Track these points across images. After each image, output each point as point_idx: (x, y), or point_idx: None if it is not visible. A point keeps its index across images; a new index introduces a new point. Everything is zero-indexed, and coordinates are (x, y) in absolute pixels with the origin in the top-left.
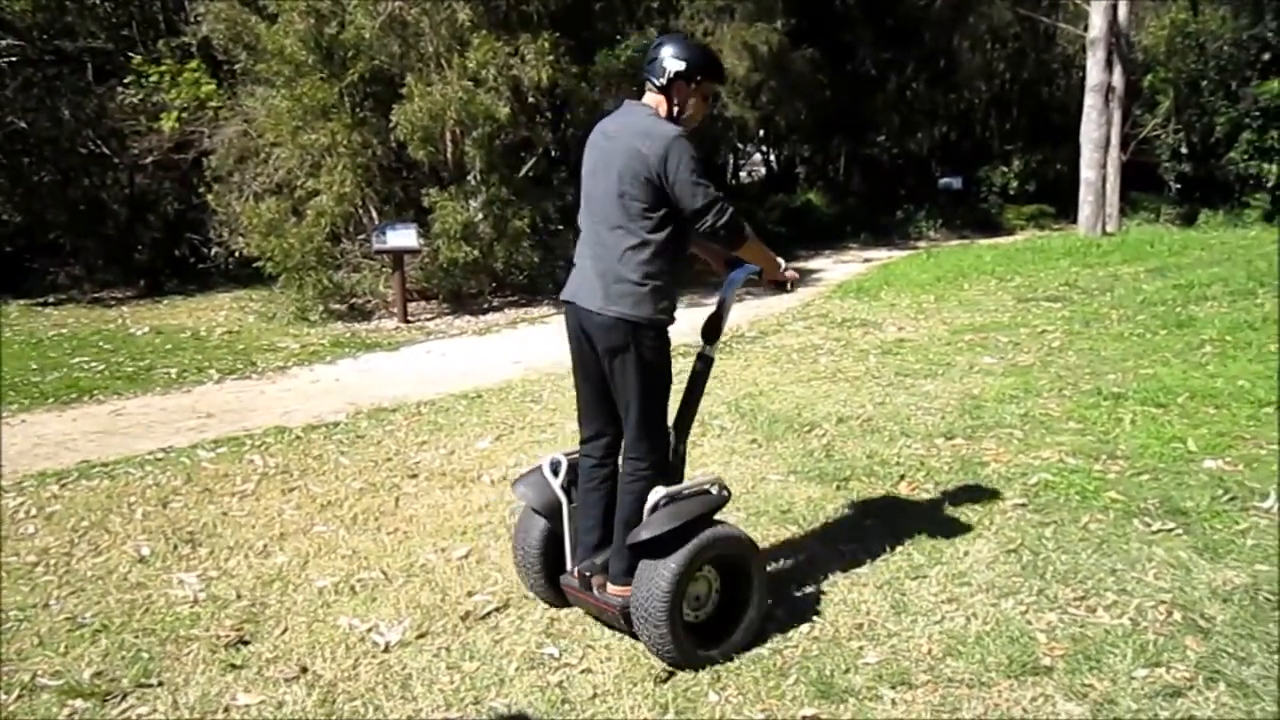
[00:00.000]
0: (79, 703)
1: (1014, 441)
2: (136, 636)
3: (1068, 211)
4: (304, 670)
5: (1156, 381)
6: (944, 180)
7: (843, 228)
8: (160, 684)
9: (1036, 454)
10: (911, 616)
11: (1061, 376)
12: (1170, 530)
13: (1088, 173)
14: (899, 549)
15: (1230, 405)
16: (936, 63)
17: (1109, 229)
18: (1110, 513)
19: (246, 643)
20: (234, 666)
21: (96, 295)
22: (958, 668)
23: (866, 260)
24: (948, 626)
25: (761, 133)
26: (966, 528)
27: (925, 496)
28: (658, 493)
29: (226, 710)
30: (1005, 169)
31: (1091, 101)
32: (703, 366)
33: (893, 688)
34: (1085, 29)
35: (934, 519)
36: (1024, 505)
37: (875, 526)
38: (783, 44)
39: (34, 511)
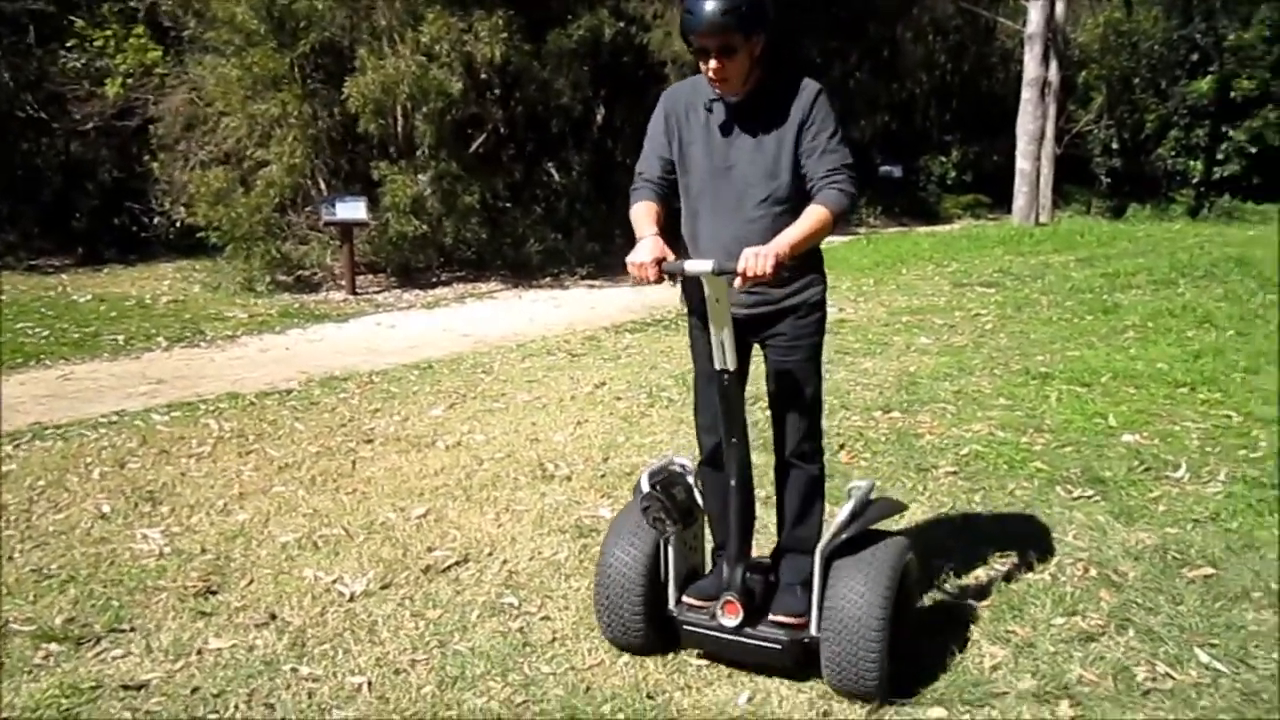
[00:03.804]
0: (53, 646)
1: (947, 415)
2: (105, 586)
3: (1003, 202)
4: (273, 617)
5: (1082, 363)
6: (884, 168)
7: None
8: (132, 629)
9: (968, 427)
10: None
11: (993, 357)
12: (1090, 497)
13: (1023, 164)
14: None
15: (1149, 385)
16: (880, 53)
17: (1042, 219)
18: (1035, 480)
19: (214, 592)
20: (204, 614)
21: (33, 263)
22: None
23: None
24: None
25: None
26: (901, 493)
27: (864, 464)
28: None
29: (199, 653)
30: (944, 159)
31: (1028, 95)
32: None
33: None
34: (1024, 24)
35: None
36: (955, 473)
37: None
38: None
39: None
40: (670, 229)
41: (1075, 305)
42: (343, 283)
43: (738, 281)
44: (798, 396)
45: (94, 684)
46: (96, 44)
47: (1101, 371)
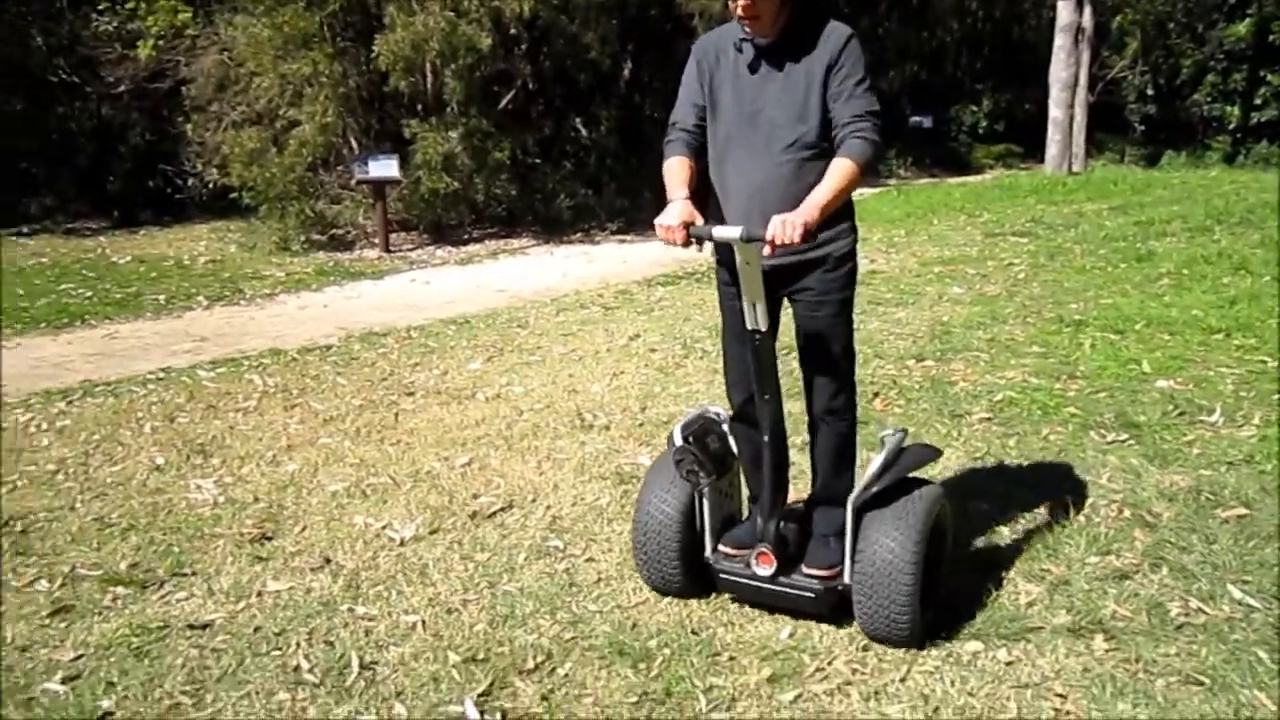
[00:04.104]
0: (120, 589)
1: (981, 363)
2: (164, 534)
3: (1036, 151)
4: (327, 561)
5: (1115, 310)
6: (914, 119)
7: None
8: (194, 573)
9: (1002, 374)
10: None
11: (1026, 305)
12: (1123, 441)
13: (1055, 112)
14: (873, 457)
15: (1184, 332)
16: (908, 1)
17: (1075, 168)
18: (1069, 425)
19: (270, 539)
20: (260, 559)
21: (70, 226)
22: None
23: None
24: None
25: None
26: (936, 438)
27: (898, 411)
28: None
29: (259, 595)
30: (975, 108)
31: (1060, 41)
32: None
33: None
34: None
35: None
36: (989, 419)
37: None
38: None
39: (45, 426)
40: (703, 187)
41: (1109, 253)
42: (376, 240)
43: (766, 249)
44: (827, 352)
45: (161, 624)
46: (128, 6)
47: (1135, 319)
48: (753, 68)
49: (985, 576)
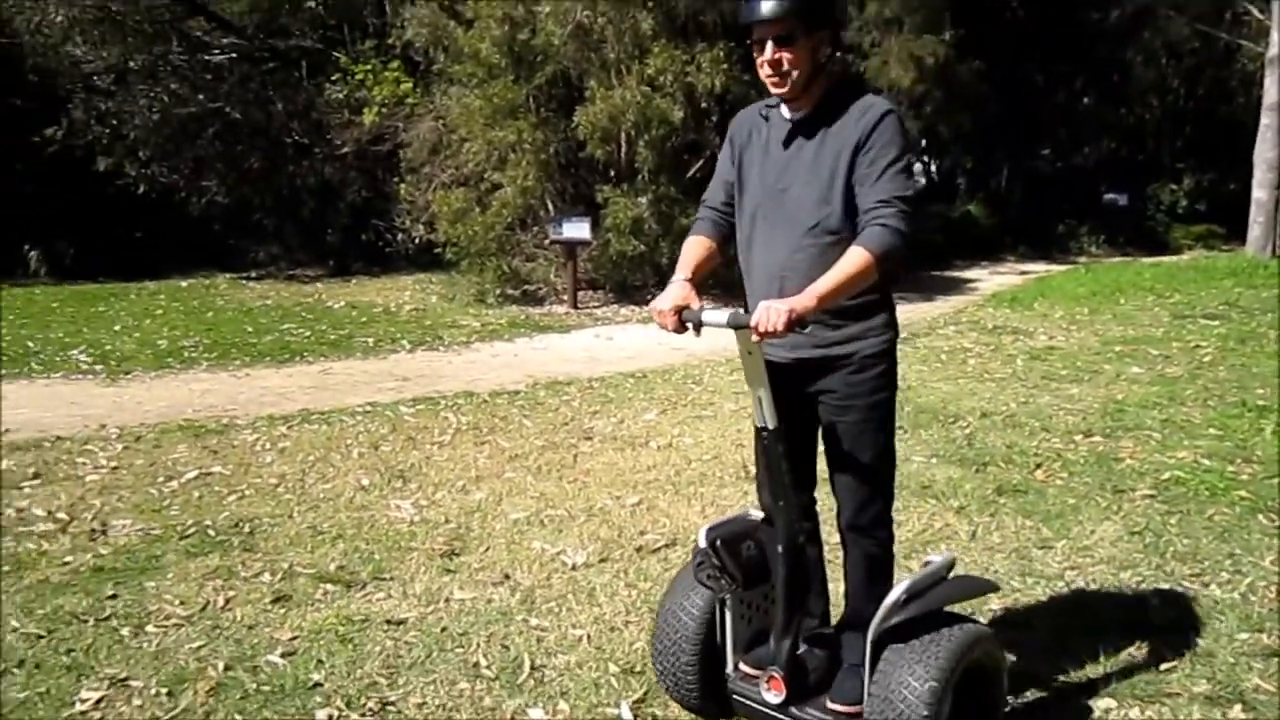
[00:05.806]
0: (329, 586)
1: (1151, 442)
2: (367, 543)
3: (1239, 233)
4: (507, 577)
5: None
6: (1109, 196)
7: (1001, 240)
8: (392, 578)
9: (1172, 454)
10: (1035, 579)
11: (1208, 388)
12: None
13: (1259, 193)
14: (1028, 524)
15: None
16: (1108, 76)
17: None
18: (1236, 508)
19: (457, 555)
20: (449, 571)
21: (292, 273)
22: (1072, 620)
23: (1023, 273)
24: (1068, 589)
25: (924, 142)
26: (1095, 511)
27: (1059, 483)
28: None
29: (446, 601)
30: (1175, 187)
31: (1268, 121)
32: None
33: (1010, 628)
34: (1266, 46)
35: (1065, 501)
36: (1153, 496)
37: (1009, 504)
38: (949, 55)
39: (268, 445)
40: (727, 268)
41: None
42: (565, 297)
43: (753, 336)
44: (854, 462)
45: (363, 617)
46: (357, 77)
47: None
48: (784, 142)
49: (1129, 642)
